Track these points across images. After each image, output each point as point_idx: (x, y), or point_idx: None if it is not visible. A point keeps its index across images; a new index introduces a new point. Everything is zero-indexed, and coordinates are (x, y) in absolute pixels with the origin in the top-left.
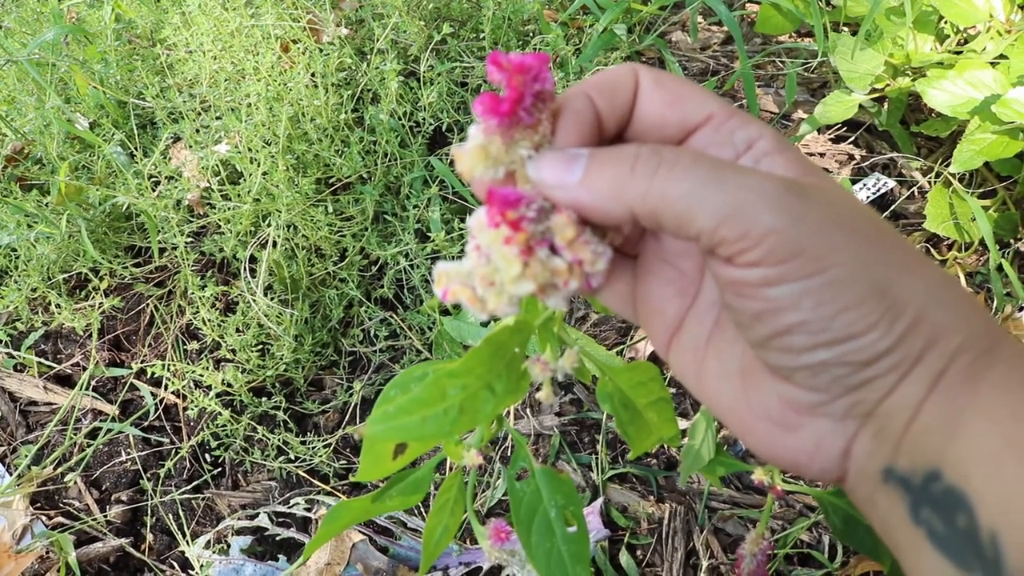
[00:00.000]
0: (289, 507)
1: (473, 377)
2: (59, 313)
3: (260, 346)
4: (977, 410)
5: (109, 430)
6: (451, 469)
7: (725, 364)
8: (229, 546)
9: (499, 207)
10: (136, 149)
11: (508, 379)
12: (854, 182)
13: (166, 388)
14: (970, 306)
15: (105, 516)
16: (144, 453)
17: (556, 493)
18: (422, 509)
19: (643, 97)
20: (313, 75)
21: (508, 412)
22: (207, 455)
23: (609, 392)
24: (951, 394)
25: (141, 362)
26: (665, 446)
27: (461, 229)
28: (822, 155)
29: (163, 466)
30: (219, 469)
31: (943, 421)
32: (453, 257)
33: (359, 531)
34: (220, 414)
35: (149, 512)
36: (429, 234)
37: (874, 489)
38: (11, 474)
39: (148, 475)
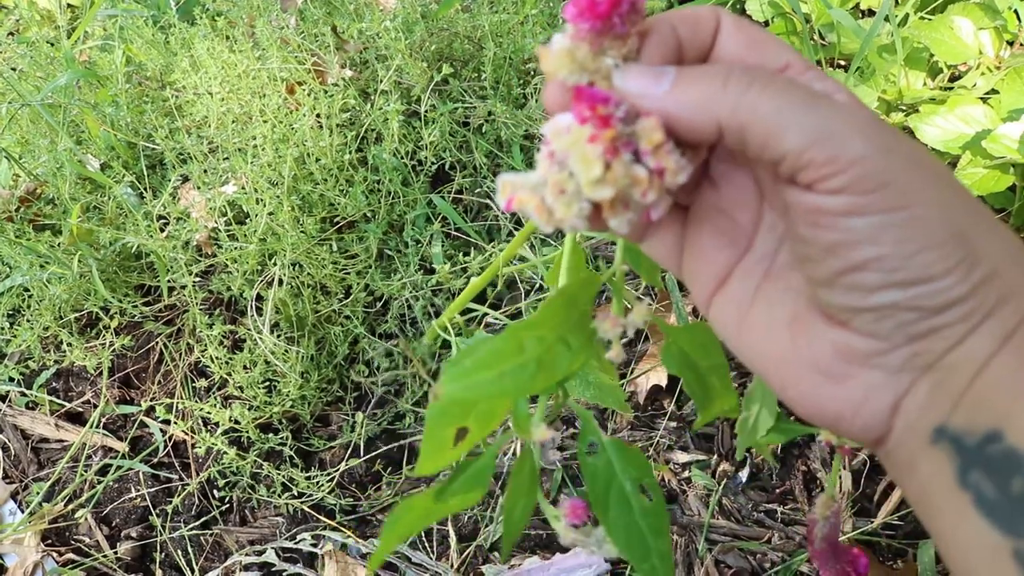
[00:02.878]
0: (296, 543)
1: (548, 329)
2: (70, 351)
3: (267, 383)
4: None
5: (119, 467)
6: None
7: (774, 314)
8: None
9: (589, 102)
10: (146, 190)
11: (581, 334)
12: None
13: (176, 424)
14: None
15: (115, 552)
16: (153, 490)
17: (629, 465)
18: (426, 544)
19: (723, 37)
20: (318, 116)
21: (511, 446)
22: (215, 491)
23: (674, 354)
24: (1021, 353)
25: (151, 399)
26: (666, 478)
27: (464, 263)
28: None
29: (172, 502)
30: (227, 505)
31: (1012, 380)
32: (457, 290)
33: (364, 566)
34: (226, 453)
35: (158, 548)
36: (432, 266)
37: (918, 450)
38: (23, 511)
39: (157, 511)
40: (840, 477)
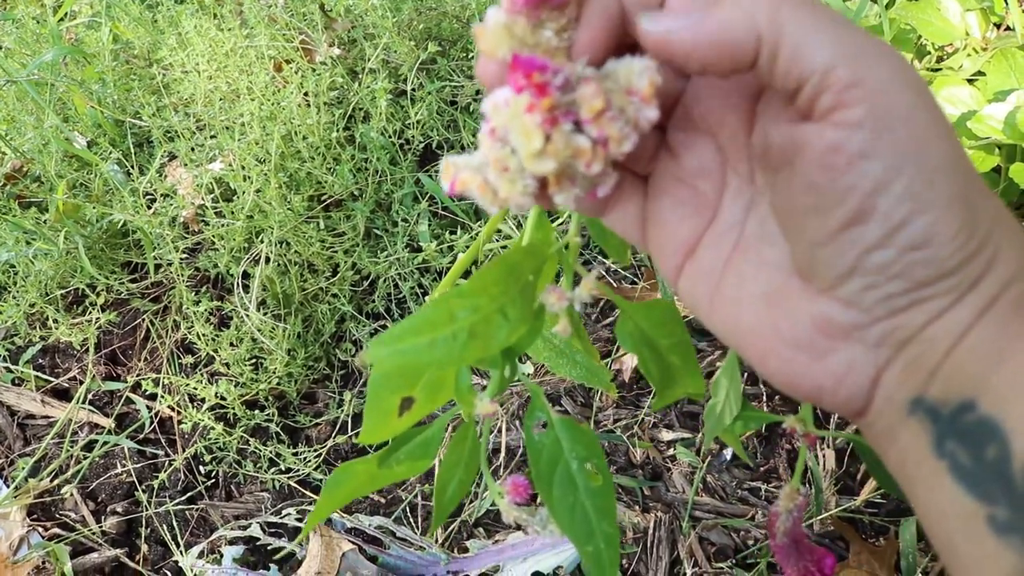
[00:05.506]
0: (281, 517)
1: (485, 298)
2: (57, 328)
3: (253, 360)
4: None
5: (105, 443)
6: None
7: (747, 288)
8: (222, 556)
9: (524, 70)
10: (132, 167)
11: (522, 306)
12: None
13: (162, 399)
14: (1022, 237)
15: (100, 527)
16: (139, 465)
17: (577, 444)
18: (411, 518)
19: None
20: (306, 94)
21: (499, 425)
22: (201, 467)
23: (629, 331)
24: (1000, 323)
25: (137, 376)
26: (651, 455)
27: (451, 242)
28: None
29: (158, 478)
30: (213, 480)
31: (988, 349)
32: (444, 268)
33: (349, 540)
34: (213, 428)
35: (144, 523)
36: (419, 244)
37: (897, 421)
38: (8, 486)
39: (143, 487)
40: (824, 456)
